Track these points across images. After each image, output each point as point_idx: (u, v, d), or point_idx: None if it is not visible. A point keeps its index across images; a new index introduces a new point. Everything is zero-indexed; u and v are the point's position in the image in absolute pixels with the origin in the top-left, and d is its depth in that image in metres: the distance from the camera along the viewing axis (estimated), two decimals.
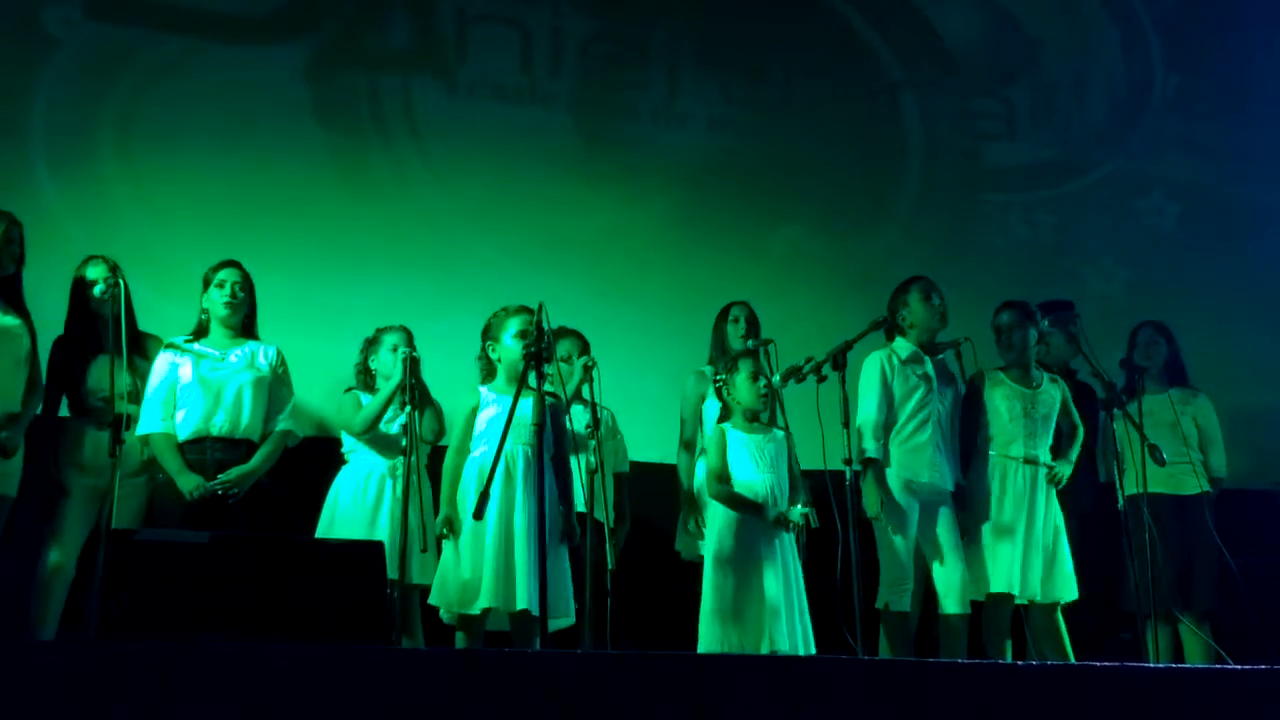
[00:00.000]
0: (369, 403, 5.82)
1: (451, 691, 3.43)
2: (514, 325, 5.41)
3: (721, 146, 7.85)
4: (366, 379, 5.97)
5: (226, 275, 5.66)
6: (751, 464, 5.60)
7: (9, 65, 6.67)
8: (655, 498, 6.55)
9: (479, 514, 4.85)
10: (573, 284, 6.93)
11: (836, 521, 5.40)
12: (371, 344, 5.98)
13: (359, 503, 5.76)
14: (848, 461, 5.47)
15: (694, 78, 7.90)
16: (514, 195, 7.29)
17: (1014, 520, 5.79)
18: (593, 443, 5.55)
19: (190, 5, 7.04)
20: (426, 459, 5.88)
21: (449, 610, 5.29)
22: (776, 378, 5.75)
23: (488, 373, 5.59)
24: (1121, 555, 5.96)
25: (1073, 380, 6.43)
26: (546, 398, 5.20)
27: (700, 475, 6.21)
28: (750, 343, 6.22)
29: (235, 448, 5.50)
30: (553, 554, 5.21)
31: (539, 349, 4.99)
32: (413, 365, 5.55)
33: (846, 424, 5.53)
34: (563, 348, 5.93)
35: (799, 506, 5.52)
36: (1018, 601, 5.82)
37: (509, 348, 5.41)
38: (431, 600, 5.35)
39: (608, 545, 5.45)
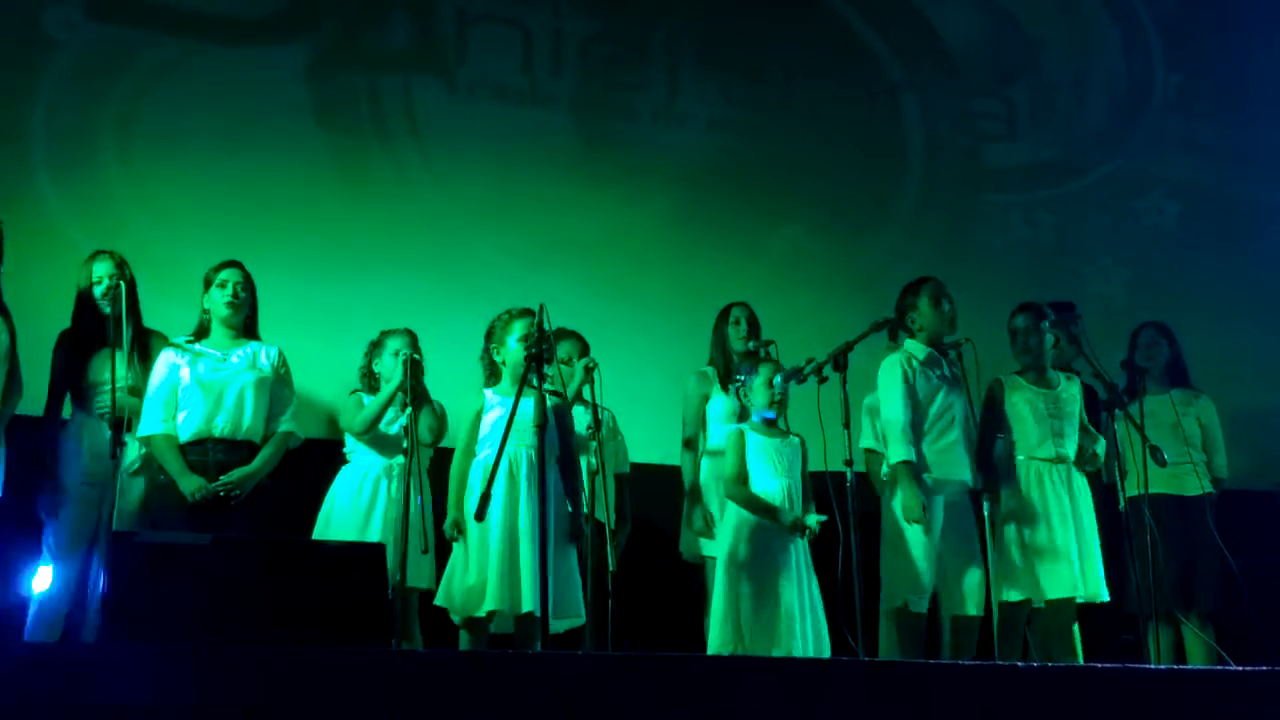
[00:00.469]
0: (369, 403, 5.82)
1: (452, 693, 3.43)
2: (518, 329, 5.41)
3: (722, 147, 7.85)
4: (370, 381, 5.97)
5: (228, 275, 5.65)
6: (770, 468, 5.62)
7: (9, 67, 6.67)
8: (656, 499, 6.55)
9: (480, 515, 4.87)
10: (573, 285, 6.94)
11: (837, 522, 5.39)
12: (376, 347, 5.99)
13: (354, 503, 5.77)
14: (848, 463, 5.46)
15: (694, 78, 7.91)
16: (514, 195, 7.29)
17: (1060, 525, 5.77)
18: (594, 444, 5.55)
19: (190, 6, 7.04)
20: (429, 462, 5.88)
21: (455, 613, 5.30)
22: (778, 379, 5.74)
23: (491, 375, 5.59)
24: (1123, 556, 5.95)
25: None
26: (549, 398, 5.21)
27: (705, 470, 6.22)
28: (752, 344, 6.23)
29: (237, 449, 5.48)
30: (561, 554, 5.22)
31: (540, 350, 4.99)
32: (413, 367, 5.56)
33: (847, 425, 5.52)
34: (563, 349, 5.93)
35: (815, 514, 5.53)
36: (1036, 604, 5.80)
37: (513, 351, 5.41)
38: (438, 602, 5.35)
39: (609, 546, 5.45)
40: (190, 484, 5.35)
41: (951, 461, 5.79)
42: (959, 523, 5.78)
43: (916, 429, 5.78)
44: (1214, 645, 6.19)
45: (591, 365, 5.73)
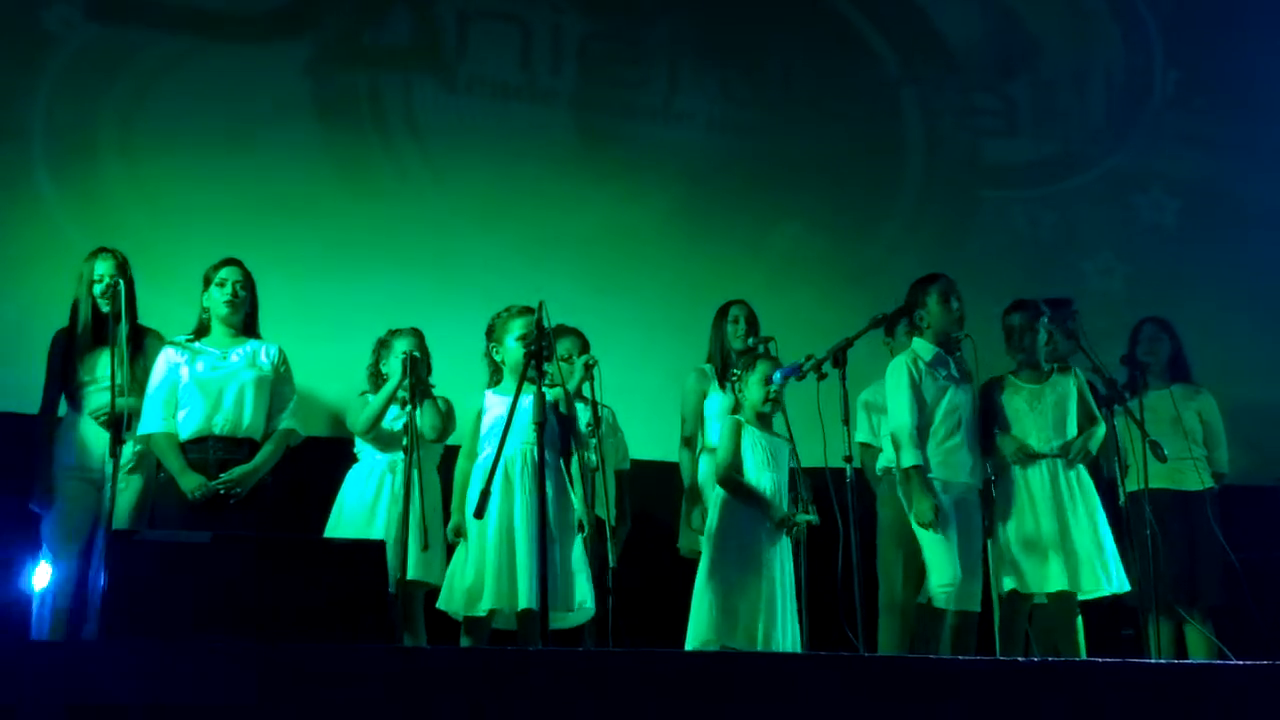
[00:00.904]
0: (370, 403, 5.83)
1: (453, 690, 3.43)
2: (517, 328, 5.41)
3: (721, 144, 7.85)
4: (378, 381, 5.97)
5: (227, 274, 5.65)
6: (761, 462, 5.62)
7: (10, 64, 6.68)
8: (656, 495, 6.55)
9: (479, 513, 4.87)
10: (572, 281, 6.94)
11: (837, 519, 5.39)
12: (383, 346, 5.99)
13: (361, 499, 5.80)
14: (848, 459, 5.46)
15: (694, 75, 7.90)
16: (514, 193, 7.29)
17: (1050, 518, 5.77)
18: (594, 441, 5.55)
19: (190, 4, 7.05)
20: (439, 458, 5.89)
21: (456, 614, 5.30)
22: (777, 375, 5.74)
23: (495, 374, 5.60)
24: (1124, 551, 5.95)
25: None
26: (550, 392, 5.21)
27: (704, 469, 6.22)
28: (750, 340, 6.23)
29: (237, 447, 5.49)
30: (566, 547, 5.22)
31: (539, 347, 4.99)
32: (412, 364, 5.56)
33: (847, 421, 5.51)
34: (563, 346, 5.93)
35: (804, 513, 5.53)
36: (1038, 600, 5.81)
37: (511, 350, 5.42)
38: (440, 604, 5.36)
39: (609, 543, 5.45)
40: (190, 482, 5.36)
41: (958, 463, 5.78)
42: (965, 522, 5.77)
43: (923, 432, 5.76)
44: (1214, 640, 6.19)
45: (591, 362, 5.73)
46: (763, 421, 5.73)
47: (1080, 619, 5.80)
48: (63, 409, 5.69)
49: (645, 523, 6.47)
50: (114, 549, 4.20)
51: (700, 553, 6.14)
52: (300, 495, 5.88)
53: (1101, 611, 6.13)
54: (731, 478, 5.61)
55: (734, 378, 5.85)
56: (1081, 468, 5.90)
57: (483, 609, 5.17)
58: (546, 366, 5.08)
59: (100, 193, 6.65)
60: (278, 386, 5.66)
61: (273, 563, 4.13)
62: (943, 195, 8.23)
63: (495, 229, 7.18)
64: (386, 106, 7.29)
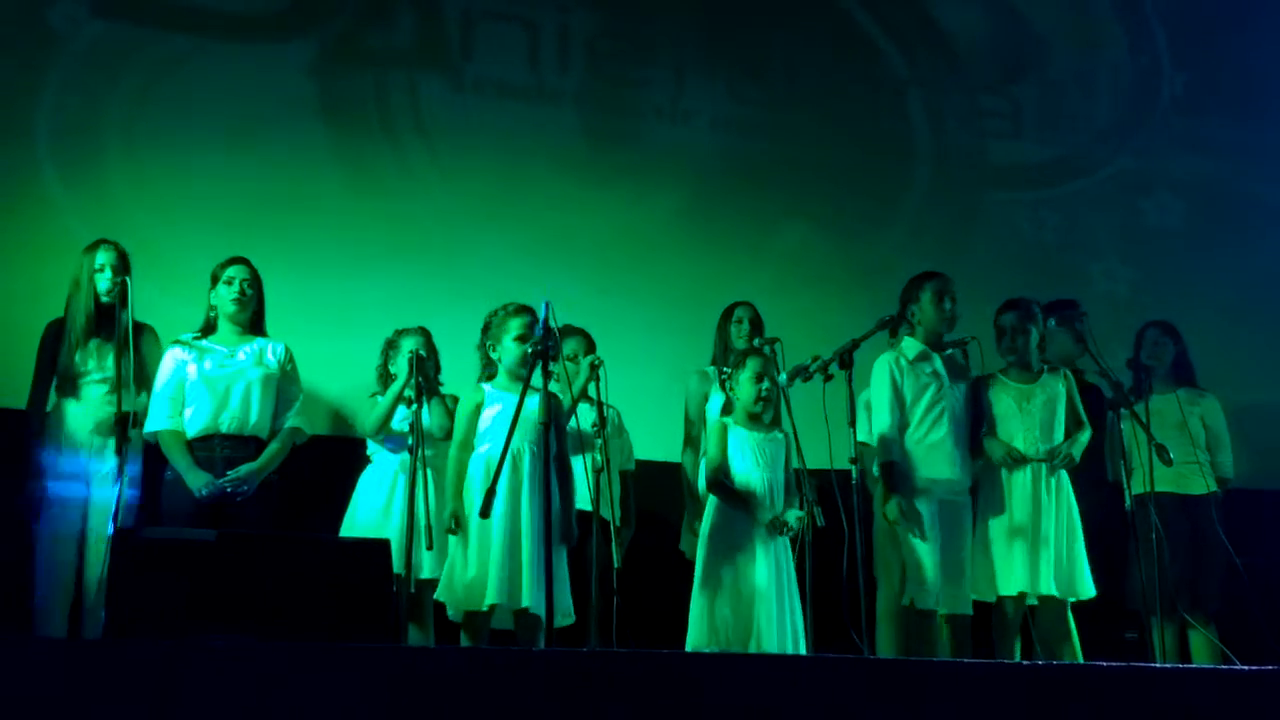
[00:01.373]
0: (377, 404, 5.83)
1: (457, 689, 3.43)
2: (514, 328, 5.42)
3: (728, 144, 7.85)
4: (387, 382, 5.97)
5: (235, 272, 5.66)
6: (750, 461, 5.60)
7: (15, 62, 6.67)
8: (660, 496, 6.56)
9: (485, 512, 4.87)
10: (579, 281, 6.94)
11: (842, 520, 5.38)
12: (391, 347, 5.99)
13: (375, 500, 5.80)
14: (854, 460, 5.46)
15: (700, 75, 7.90)
16: (520, 192, 7.29)
17: (1025, 518, 5.78)
18: (599, 441, 5.55)
19: (196, 3, 7.05)
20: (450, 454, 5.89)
21: (456, 608, 5.30)
22: (783, 376, 5.73)
23: (487, 368, 5.60)
24: (1128, 555, 5.94)
25: (1079, 380, 6.41)
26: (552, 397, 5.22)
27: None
28: (756, 341, 6.22)
29: (244, 445, 5.50)
30: (555, 554, 5.22)
31: (545, 347, 4.99)
32: (419, 364, 5.56)
33: (852, 423, 5.52)
34: (568, 346, 5.94)
35: (795, 510, 5.51)
36: (1029, 601, 5.81)
37: (509, 349, 5.42)
38: (438, 597, 5.36)
39: (613, 544, 5.45)
40: (197, 480, 5.37)
41: (939, 459, 5.79)
42: (952, 521, 5.78)
43: (901, 431, 5.80)
44: (1218, 644, 6.18)
45: (597, 362, 5.73)
46: (754, 420, 5.70)
47: (1073, 622, 5.81)
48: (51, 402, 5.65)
49: (649, 523, 6.47)
50: (118, 546, 4.19)
51: None
52: (306, 493, 5.88)
53: (1105, 615, 6.13)
54: (717, 480, 5.59)
55: (724, 376, 5.82)
56: (1062, 471, 5.90)
57: (485, 604, 5.17)
58: (552, 367, 5.08)
59: (105, 190, 6.65)
60: (284, 385, 5.66)
61: (277, 561, 4.12)
62: (948, 197, 8.23)
63: (501, 228, 7.18)
64: (392, 106, 7.29)
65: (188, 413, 5.51)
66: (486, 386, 5.53)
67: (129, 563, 4.00)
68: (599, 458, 5.53)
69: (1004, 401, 5.95)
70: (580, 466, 5.62)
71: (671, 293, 7.27)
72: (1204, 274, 8.24)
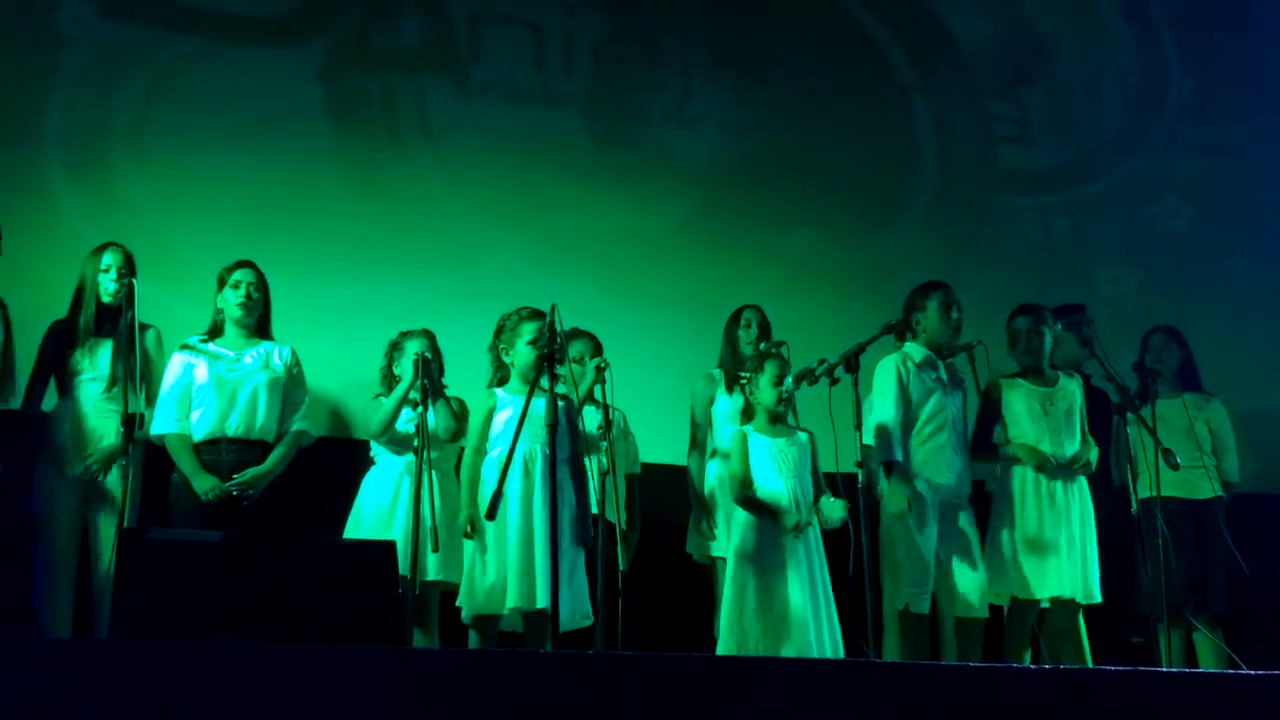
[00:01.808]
0: (382, 406, 5.83)
1: (463, 692, 3.43)
2: (528, 332, 5.42)
3: (734, 148, 7.84)
4: (391, 384, 5.96)
5: (241, 276, 5.67)
6: (774, 468, 5.59)
7: (24, 64, 6.68)
8: (667, 499, 6.54)
9: (491, 514, 4.89)
10: (585, 285, 6.94)
11: (848, 523, 5.39)
12: (395, 349, 5.99)
13: (379, 502, 5.79)
14: (860, 464, 5.45)
15: (707, 79, 7.90)
16: (526, 196, 7.29)
17: (1050, 523, 5.77)
18: (605, 444, 5.56)
19: (204, 5, 7.05)
20: (455, 458, 5.89)
21: (477, 613, 5.29)
22: (789, 380, 5.73)
23: (499, 372, 5.61)
24: (1134, 559, 5.94)
25: (1085, 384, 6.41)
26: (562, 400, 5.22)
27: (712, 477, 6.22)
28: (763, 345, 6.22)
29: (250, 448, 5.52)
30: (571, 556, 5.23)
31: (551, 350, 4.99)
32: (424, 366, 5.57)
33: (859, 426, 5.52)
34: (575, 349, 5.93)
35: (837, 505, 5.48)
36: (1043, 605, 5.80)
37: (522, 353, 5.42)
38: (460, 604, 5.35)
39: (619, 547, 5.45)
40: (204, 483, 5.39)
41: (940, 464, 5.79)
42: (956, 525, 5.77)
43: (905, 430, 5.79)
44: (1224, 648, 6.18)
45: (603, 365, 5.72)
46: (774, 423, 5.70)
47: (1084, 626, 5.80)
48: (49, 403, 5.65)
49: (655, 527, 6.46)
50: (125, 547, 4.20)
51: (711, 557, 6.15)
52: (312, 496, 5.88)
53: (1112, 620, 6.13)
54: (745, 495, 5.58)
55: (745, 381, 5.82)
56: (1082, 477, 5.90)
57: (506, 608, 5.18)
58: (559, 370, 5.09)
59: (113, 193, 6.66)
60: (290, 388, 5.68)
61: (283, 563, 4.14)
62: (956, 201, 8.22)
63: (508, 232, 7.18)
64: (399, 109, 7.29)
65: (195, 416, 5.52)
66: (499, 391, 5.53)
67: (135, 564, 4.01)
68: (605, 461, 5.53)
69: (1023, 405, 5.95)
70: (588, 470, 5.62)
71: (678, 296, 7.26)
72: (1211, 279, 8.22)
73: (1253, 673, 4.35)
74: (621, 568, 5.48)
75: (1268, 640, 5.93)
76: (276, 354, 5.69)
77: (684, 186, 7.62)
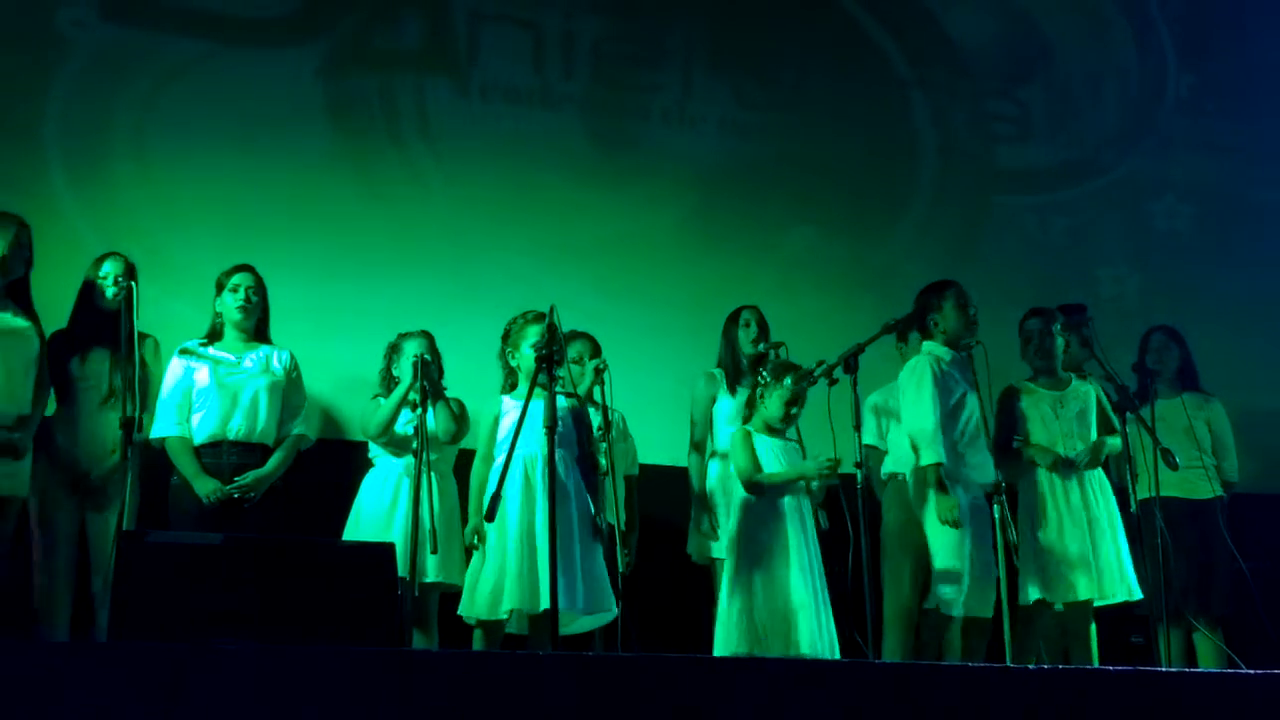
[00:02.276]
0: (381, 407, 5.83)
1: (462, 693, 3.43)
2: (531, 335, 5.42)
3: (734, 148, 7.84)
4: (390, 385, 5.96)
5: (240, 279, 5.69)
6: (778, 466, 5.61)
7: (23, 67, 6.69)
8: (667, 500, 6.54)
9: (490, 516, 4.90)
10: (584, 285, 6.95)
11: (847, 524, 5.38)
12: (394, 350, 5.99)
13: (378, 504, 5.79)
14: (859, 465, 5.45)
15: (706, 79, 7.90)
16: (526, 197, 7.29)
17: (1075, 527, 5.76)
18: (604, 445, 5.56)
19: (204, 7, 7.05)
20: (454, 460, 5.89)
21: (478, 618, 5.30)
22: (789, 380, 5.73)
23: (509, 377, 5.62)
24: (1135, 559, 5.94)
25: None
26: (568, 399, 5.22)
27: (712, 477, 6.21)
28: (761, 346, 6.22)
29: (251, 452, 5.54)
30: (589, 551, 5.24)
31: (550, 352, 5.00)
32: (423, 367, 5.57)
33: (858, 427, 5.50)
34: (574, 350, 5.93)
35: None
36: (1057, 608, 5.80)
37: (527, 356, 5.43)
38: (461, 609, 5.35)
39: (618, 548, 5.46)
40: (205, 486, 5.40)
41: (978, 465, 5.77)
42: (978, 526, 5.76)
43: (946, 431, 5.74)
44: (1224, 648, 6.18)
45: (602, 366, 5.72)
46: (773, 430, 5.72)
47: (1095, 627, 5.80)
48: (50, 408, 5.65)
49: (655, 528, 6.46)
50: (125, 550, 4.20)
51: (711, 558, 6.15)
52: (311, 498, 5.89)
53: (1112, 619, 6.13)
54: (753, 480, 5.58)
55: (762, 381, 5.78)
56: (1103, 476, 5.89)
57: (505, 610, 5.18)
58: (558, 371, 5.09)
59: (113, 195, 6.66)
60: (290, 392, 5.70)
61: (283, 565, 4.13)
62: (955, 200, 8.22)
63: (507, 233, 7.18)
64: (399, 111, 7.30)
65: (195, 419, 5.54)
66: (506, 398, 5.55)
67: (134, 566, 4.01)
68: (604, 462, 5.53)
69: (1037, 408, 5.95)
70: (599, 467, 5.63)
71: (677, 296, 7.26)
72: (1212, 278, 8.23)
73: (1252, 672, 4.35)
74: (621, 569, 5.48)
75: (1267, 640, 5.93)
76: (276, 358, 5.71)
77: (683, 186, 7.62)
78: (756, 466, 5.60)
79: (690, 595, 6.31)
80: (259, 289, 5.72)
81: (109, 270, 5.61)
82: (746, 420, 5.80)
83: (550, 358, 5.01)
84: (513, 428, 5.28)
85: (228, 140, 6.83)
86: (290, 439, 5.65)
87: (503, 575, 5.20)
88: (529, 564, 5.19)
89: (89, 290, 5.64)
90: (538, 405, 5.07)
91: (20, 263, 5.41)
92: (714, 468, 6.22)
